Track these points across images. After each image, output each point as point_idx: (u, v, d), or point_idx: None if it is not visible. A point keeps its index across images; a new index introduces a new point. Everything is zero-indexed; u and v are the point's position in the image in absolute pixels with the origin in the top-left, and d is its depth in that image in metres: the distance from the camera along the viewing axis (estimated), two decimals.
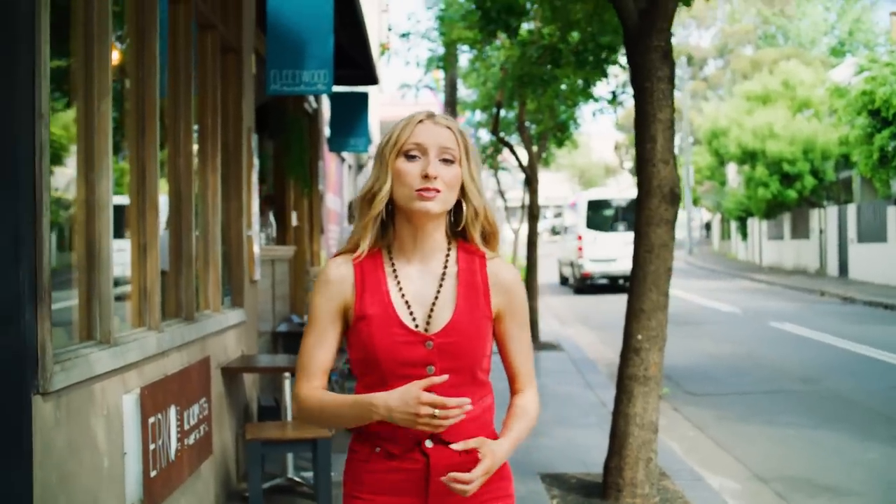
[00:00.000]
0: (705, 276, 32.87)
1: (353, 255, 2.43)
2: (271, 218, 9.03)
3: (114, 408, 3.95)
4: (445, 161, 2.38)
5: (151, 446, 4.23)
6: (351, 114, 12.27)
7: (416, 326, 2.38)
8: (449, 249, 2.47)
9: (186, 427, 4.83)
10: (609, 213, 27.04)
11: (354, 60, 10.70)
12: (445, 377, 2.26)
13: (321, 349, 2.43)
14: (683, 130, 48.91)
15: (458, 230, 2.48)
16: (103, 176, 3.96)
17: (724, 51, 70.68)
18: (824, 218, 31.44)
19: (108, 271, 4.01)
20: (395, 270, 2.43)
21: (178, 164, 5.32)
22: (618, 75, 15.66)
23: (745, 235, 43.33)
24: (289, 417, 6.31)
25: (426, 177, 2.34)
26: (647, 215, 6.04)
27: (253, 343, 7.17)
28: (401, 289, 2.41)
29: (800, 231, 34.55)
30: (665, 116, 6.04)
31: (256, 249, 7.23)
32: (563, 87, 11.48)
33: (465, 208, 2.43)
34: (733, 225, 45.38)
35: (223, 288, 6.41)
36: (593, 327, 17.88)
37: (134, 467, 4.09)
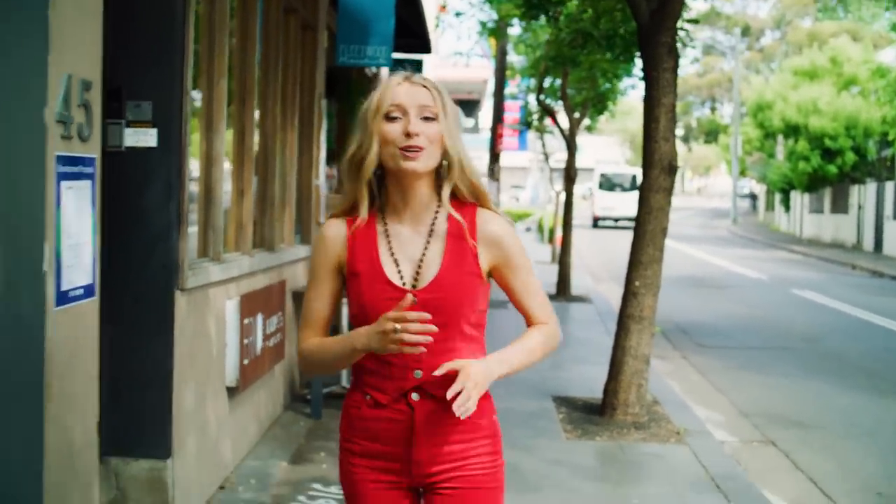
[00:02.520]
0: (743, 245, 33.78)
1: (346, 217, 2.56)
2: (334, 170, 10.33)
3: (221, 309, 5.30)
4: (426, 119, 2.45)
5: (245, 341, 5.57)
6: None
7: (404, 283, 2.47)
8: (439, 208, 2.54)
9: (268, 332, 6.18)
10: (611, 181, 42.45)
11: (412, 30, 11.90)
12: (414, 299, 2.37)
13: (318, 302, 2.58)
14: (735, 101, 49.52)
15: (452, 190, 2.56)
16: (218, 136, 5.28)
17: (781, 22, 70.58)
18: (863, 194, 32.19)
19: (219, 208, 5.35)
20: (386, 230, 2.52)
21: (265, 125, 6.62)
22: None
23: (787, 208, 43.99)
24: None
25: (408, 135, 2.41)
26: (648, 183, 7.26)
27: None
28: (390, 247, 2.50)
29: (839, 206, 35.30)
30: (668, 101, 7.22)
31: (322, 196, 8.54)
32: (603, 64, 12.60)
33: (444, 163, 2.50)
34: (777, 197, 45.99)
35: (296, 227, 7.74)
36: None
37: (233, 355, 5.45)
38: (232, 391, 5.54)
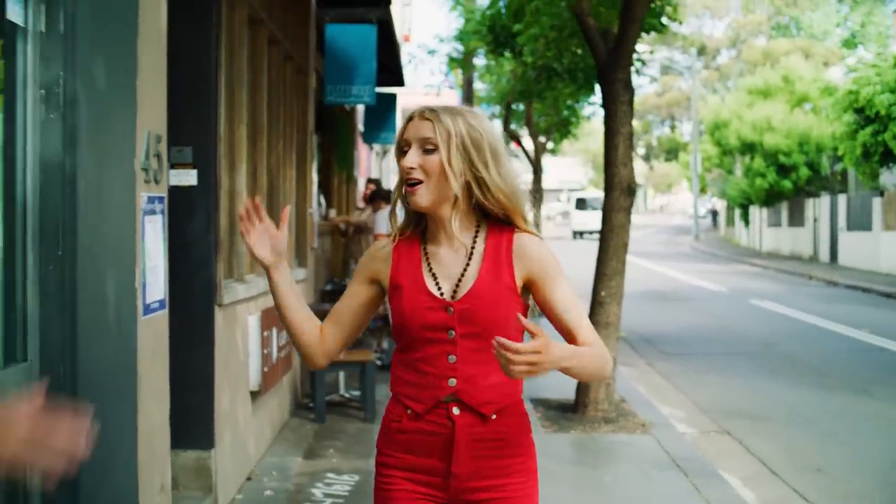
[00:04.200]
0: (705, 260, 34.87)
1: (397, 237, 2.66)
2: (321, 199, 11.17)
3: (245, 322, 6.13)
4: (426, 151, 2.51)
5: (265, 351, 6.40)
6: (382, 111, 14.38)
7: (442, 295, 2.55)
8: (479, 229, 2.60)
9: (280, 344, 7.00)
10: (585, 202, 52.19)
11: (387, 67, 12.79)
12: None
13: (346, 299, 2.70)
14: (693, 120, 50.81)
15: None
16: (239, 175, 6.12)
17: (736, 41, 72.10)
18: (818, 207, 33.39)
19: (241, 237, 6.18)
20: (426, 252, 2.61)
21: (271, 162, 7.46)
22: None
23: (747, 222, 45.14)
24: None
25: (406, 169, 2.52)
26: (610, 204, 8.16)
27: (312, 295, 9.35)
28: (430, 267, 2.59)
29: (796, 219, 36.50)
30: (626, 130, 8.14)
31: (315, 223, 9.38)
32: (566, 92, 13.56)
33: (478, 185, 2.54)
34: (737, 212, 47.16)
35: (294, 252, 8.57)
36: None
37: (255, 363, 6.27)
38: (254, 395, 6.37)
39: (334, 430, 7.65)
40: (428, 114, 2.53)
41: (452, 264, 2.58)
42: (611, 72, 8.09)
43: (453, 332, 2.51)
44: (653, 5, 9.85)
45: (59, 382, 3.20)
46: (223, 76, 5.49)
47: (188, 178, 5.21)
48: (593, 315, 8.22)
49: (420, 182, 2.51)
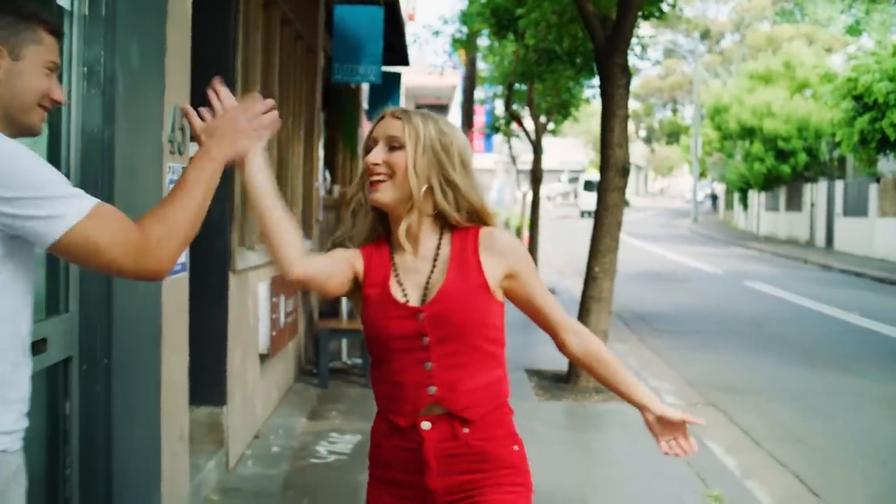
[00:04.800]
0: (703, 243, 35.23)
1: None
2: (326, 175, 11.50)
3: (255, 288, 6.48)
4: (392, 149, 2.46)
5: (273, 316, 6.75)
6: (386, 90, 14.66)
7: (408, 303, 2.47)
8: (442, 235, 2.53)
9: (287, 310, 7.35)
10: (591, 184, 51.76)
11: (392, 46, 13.09)
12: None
13: (322, 257, 2.56)
14: (694, 104, 51.08)
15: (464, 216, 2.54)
16: None
17: (740, 25, 72.22)
18: (815, 192, 33.75)
19: None
20: (392, 259, 2.53)
21: (281, 137, 7.79)
22: None
23: (746, 206, 45.48)
24: (344, 318, 8.83)
25: (371, 166, 2.48)
26: (605, 184, 8.50)
27: None
28: (397, 274, 2.51)
29: (793, 204, 36.86)
30: (622, 113, 8.46)
31: (320, 197, 9.71)
32: (566, 75, 13.88)
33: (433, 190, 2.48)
34: (736, 196, 47.48)
35: (302, 224, 8.91)
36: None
37: (264, 327, 6.63)
38: (263, 358, 6.73)
39: (337, 394, 8.02)
40: (399, 113, 2.51)
41: (419, 271, 2.51)
42: (608, 56, 8.41)
43: (426, 339, 2.44)
44: None
45: (96, 333, 3.54)
46: (240, 55, 5.82)
47: None
48: (587, 290, 8.57)
49: (383, 179, 2.47)
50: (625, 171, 8.47)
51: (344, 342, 9.17)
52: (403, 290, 2.49)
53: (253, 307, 6.43)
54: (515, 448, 2.54)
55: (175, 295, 4.48)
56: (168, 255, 2.24)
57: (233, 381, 5.89)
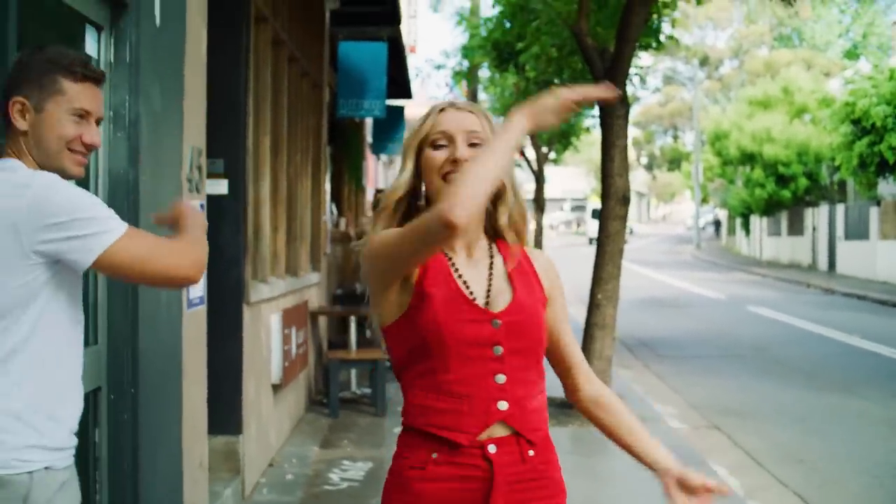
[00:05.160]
0: (706, 269, 35.37)
1: None
2: (333, 208, 11.71)
3: (268, 320, 6.66)
4: (473, 146, 2.29)
5: (285, 347, 6.93)
6: (389, 123, 14.91)
7: (487, 305, 2.28)
8: (491, 242, 2.39)
9: (298, 342, 7.53)
10: (597, 212, 48.26)
11: (395, 80, 13.35)
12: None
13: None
14: (695, 130, 51.38)
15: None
16: (263, 185, 6.66)
17: (739, 52, 72.62)
18: (816, 217, 33.91)
19: (265, 241, 6.72)
20: (448, 257, 2.32)
21: (290, 173, 7.99)
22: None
23: (748, 232, 45.63)
24: (353, 349, 9.00)
25: (455, 161, 2.26)
26: (606, 212, 8.70)
27: (324, 298, 9.89)
28: (459, 274, 2.30)
29: (795, 228, 37.01)
30: (621, 143, 8.67)
31: (328, 231, 9.91)
32: None
33: (501, 193, 2.36)
34: (738, 222, 47.62)
35: (310, 257, 9.10)
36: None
37: (277, 358, 6.80)
38: (276, 388, 6.90)
39: (347, 423, 8.18)
40: (465, 105, 2.38)
41: (475, 272, 2.33)
42: None
43: (500, 349, 2.24)
44: (650, 23, 10.40)
45: (123, 364, 3.72)
46: (251, 94, 6.04)
47: (220, 187, 5.74)
48: (590, 317, 8.73)
49: None
50: (625, 200, 8.66)
51: (353, 372, 9.34)
52: (470, 291, 2.29)
53: (266, 339, 6.61)
54: (561, 472, 2.41)
55: (194, 327, 4.66)
56: (202, 260, 2.59)
57: (248, 410, 6.06)
